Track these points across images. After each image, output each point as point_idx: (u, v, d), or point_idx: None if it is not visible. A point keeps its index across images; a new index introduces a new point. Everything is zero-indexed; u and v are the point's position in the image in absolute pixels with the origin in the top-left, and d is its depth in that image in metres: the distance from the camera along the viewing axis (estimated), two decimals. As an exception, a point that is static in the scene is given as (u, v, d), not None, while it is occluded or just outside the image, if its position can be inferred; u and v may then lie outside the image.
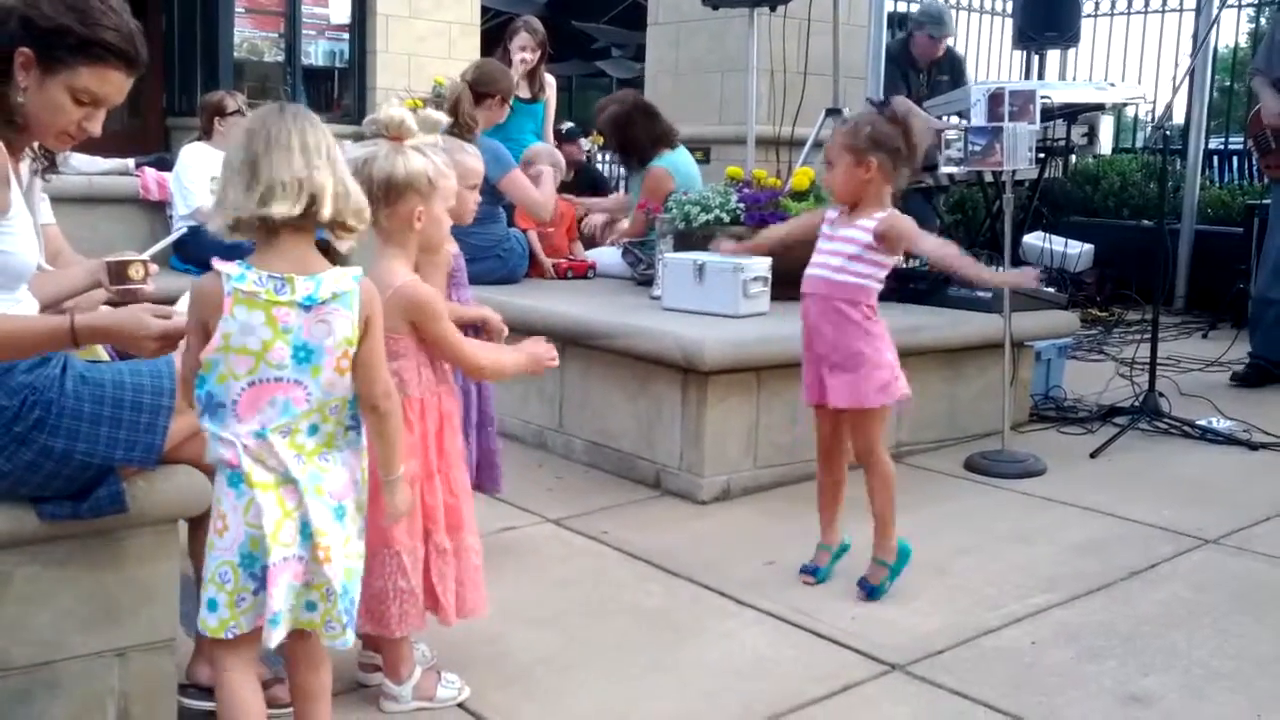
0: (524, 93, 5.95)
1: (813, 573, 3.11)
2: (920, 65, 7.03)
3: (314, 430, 1.93)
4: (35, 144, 2.22)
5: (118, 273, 2.42)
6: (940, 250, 3.05)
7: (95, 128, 2.17)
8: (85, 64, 2.08)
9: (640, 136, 5.49)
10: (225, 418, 1.89)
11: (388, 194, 2.26)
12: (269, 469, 1.89)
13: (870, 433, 3.00)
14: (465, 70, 4.81)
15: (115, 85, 2.13)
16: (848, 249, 2.93)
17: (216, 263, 1.86)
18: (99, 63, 2.09)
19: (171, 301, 2.21)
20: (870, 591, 3.00)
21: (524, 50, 6.04)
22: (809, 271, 3.01)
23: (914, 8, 8.31)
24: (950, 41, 7.24)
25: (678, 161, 5.49)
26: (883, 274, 2.96)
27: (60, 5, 2.06)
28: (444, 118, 2.38)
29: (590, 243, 5.93)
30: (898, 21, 8.05)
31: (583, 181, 7.57)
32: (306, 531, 1.90)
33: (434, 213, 2.30)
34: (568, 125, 7.80)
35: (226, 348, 1.85)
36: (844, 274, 2.93)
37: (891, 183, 2.94)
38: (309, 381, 1.90)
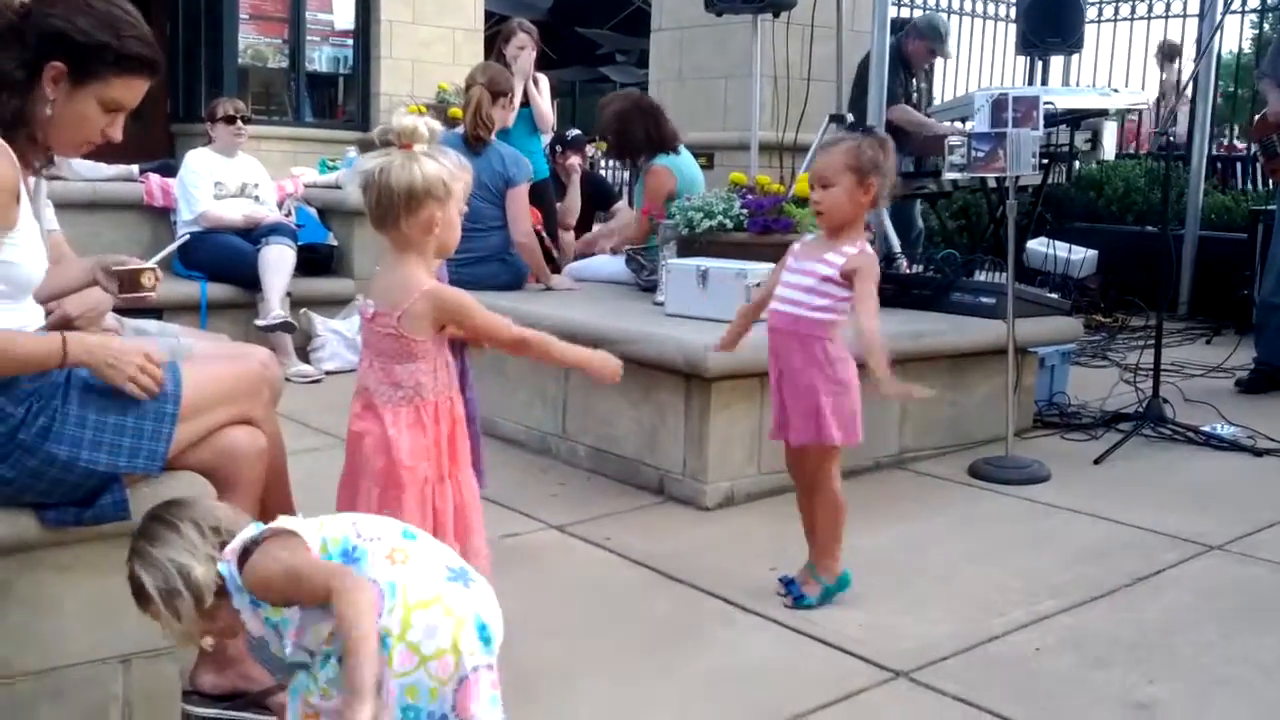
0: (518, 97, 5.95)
1: (788, 584, 3.04)
2: (913, 70, 7.06)
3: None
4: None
5: (131, 281, 2.42)
6: (873, 326, 2.76)
7: (117, 133, 2.21)
8: (117, 75, 2.12)
9: (638, 136, 5.43)
10: (363, 551, 1.78)
11: (408, 202, 2.28)
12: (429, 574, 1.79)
13: (824, 465, 2.94)
14: (475, 73, 4.80)
15: (139, 92, 2.19)
16: (808, 281, 2.84)
17: (231, 557, 1.78)
18: (129, 73, 2.14)
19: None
20: (797, 599, 2.97)
21: (525, 49, 6.04)
22: (772, 304, 2.93)
23: (916, 13, 8.32)
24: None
25: (680, 162, 5.48)
26: (845, 305, 2.86)
27: (96, 21, 2.09)
28: (439, 126, 2.38)
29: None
30: (899, 26, 8.08)
31: (587, 190, 7.56)
32: (486, 634, 1.78)
33: (449, 217, 2.33)
34: (573, 133, 7.79)
35: (324, 548, 1.79)
36: (805, 309, 2.85)
37: (874, 209, 2.90)
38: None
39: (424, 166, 2.27)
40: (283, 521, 1.83)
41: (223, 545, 1.79)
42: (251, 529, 1.83)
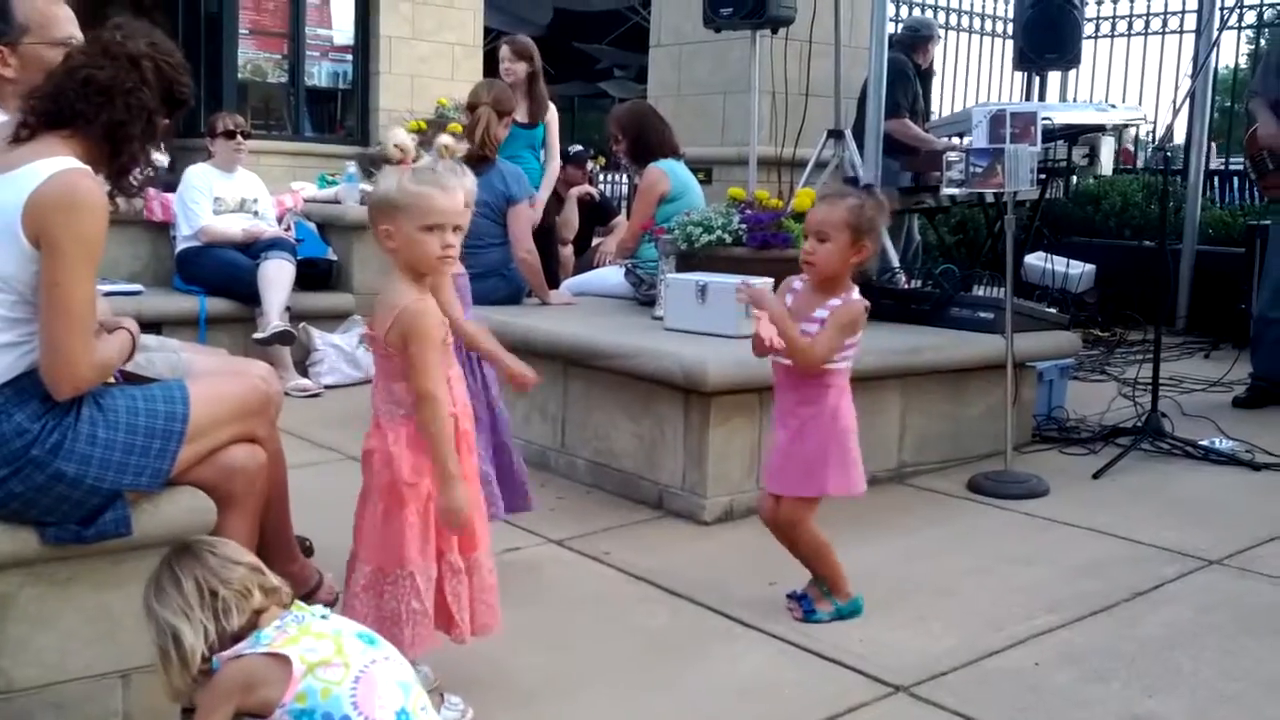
0: (521, 117, 5.97)
1: (799, 600, 3.04)
2: (921, 75, 7.16)
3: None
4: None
5: None
6: (818, 352, 2.82)
7: None
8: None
9: (651, 134, 5.60)
10: None
11: (369, 214, 2.35)
12: None
13: (806, 517, 2.95)
14: (480, 92, 4.80)
15: None
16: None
17: (227, 656, 1.81)
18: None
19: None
20: (808, 613, 2.98)
21: (503, 62, 6.10)
22: (774, 357, 2.94)
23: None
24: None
25: (675, 167, 5.53)
26: (848, 351, 2.89)
27: (189, 77, 2.28)
28: (454, 143, 2.39)
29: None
30: (896, 44, 8.15)
31: (586, 206, 7.58)
32: None
33: (406, 234, 2.29)
34: (575, 149, 7.81)
35: (309, 669, 1.79)
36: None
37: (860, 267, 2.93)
38: (392, 654, 1.90)
39: (380, 180, 2.31)
40: (288, 644, 1.81)
41: (216, 615, 1.81)
42: (253, 639, 1.82)
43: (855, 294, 2.89)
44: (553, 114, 6.32)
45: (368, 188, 6.53)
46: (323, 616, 1.91)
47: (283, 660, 1.78)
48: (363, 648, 1.86)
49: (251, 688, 1.78)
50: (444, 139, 2.41)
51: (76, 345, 2.07)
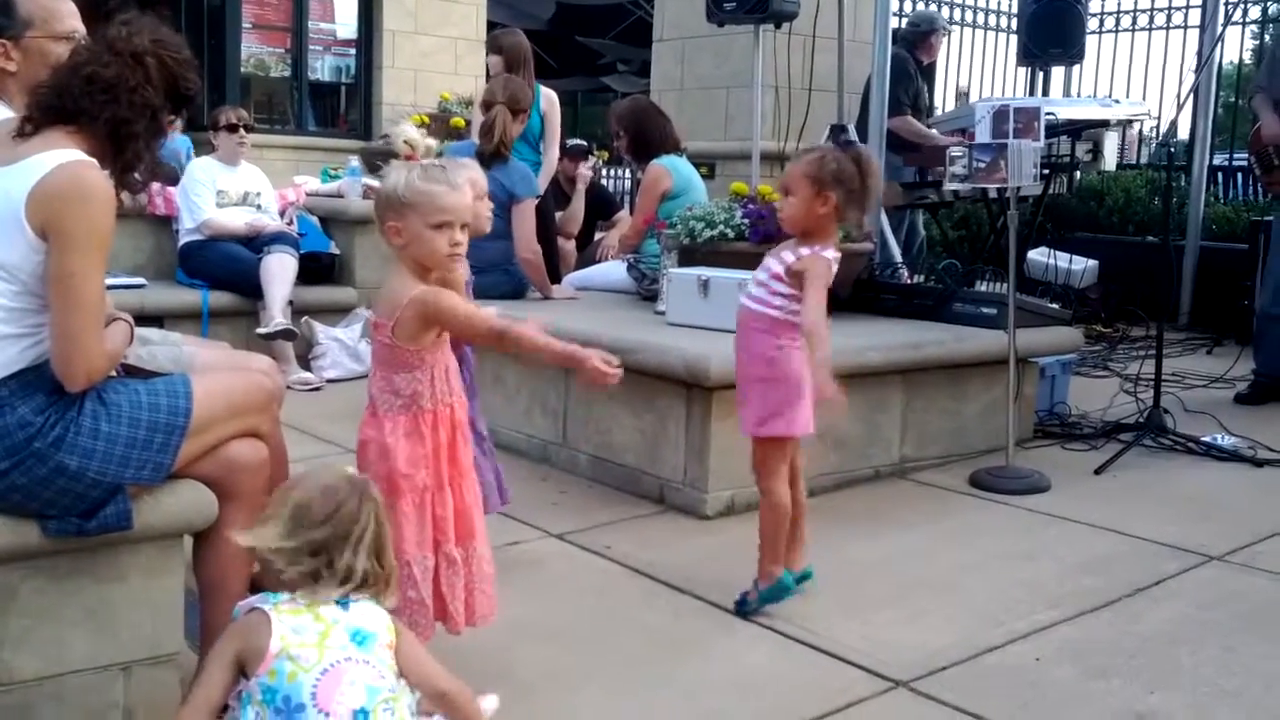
0: None
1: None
2: (925, 70, 7.15)
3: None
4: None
5: None
6: (814, 318, 2.77)
7: None
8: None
9: (652, 130, 5.62)
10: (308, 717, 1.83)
11: (376, 210, 2.37)
12: None
13: (766, 461, 2.97)
14: (495, 90, 4.80)
15: None
16: (761, 276, 2.90)
17: (245, 605, 1.95)
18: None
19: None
20: (738, 604, 3.00)
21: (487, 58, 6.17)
22: (744, 301, 2.97)
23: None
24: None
25: (678, 164, 5.54)
26: (797, 306, 2.88)
27: (195, 73, 2.29)
28: (434, 143, 2.43)
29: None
30: (898, 39, 8.15)
31: (589, 200, 7.56)
32: None
33: (413, 229, 2.30)
34: (573, 141, 7.80)
35: (285, 649, 1.85)
36: (760, 304, 2.89)
37: (840, 221, 2.91)
38: (375, 661, 1.91)
39: (386, 176, 2.33)
40: (284, 615, 1.88)
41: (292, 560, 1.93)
42: (266, 595, 1.94)
43: (829, 251, 2.86)
44: (552, 103, 6.30)
45: (370, 182, 6.54)
46: (339, 603, 1.93)
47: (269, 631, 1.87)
48: (345, 643, 1.89)
49: (246, 637, 1.89)
50: (396, 134, 2.46)
51: (90, 336, 2.09)
